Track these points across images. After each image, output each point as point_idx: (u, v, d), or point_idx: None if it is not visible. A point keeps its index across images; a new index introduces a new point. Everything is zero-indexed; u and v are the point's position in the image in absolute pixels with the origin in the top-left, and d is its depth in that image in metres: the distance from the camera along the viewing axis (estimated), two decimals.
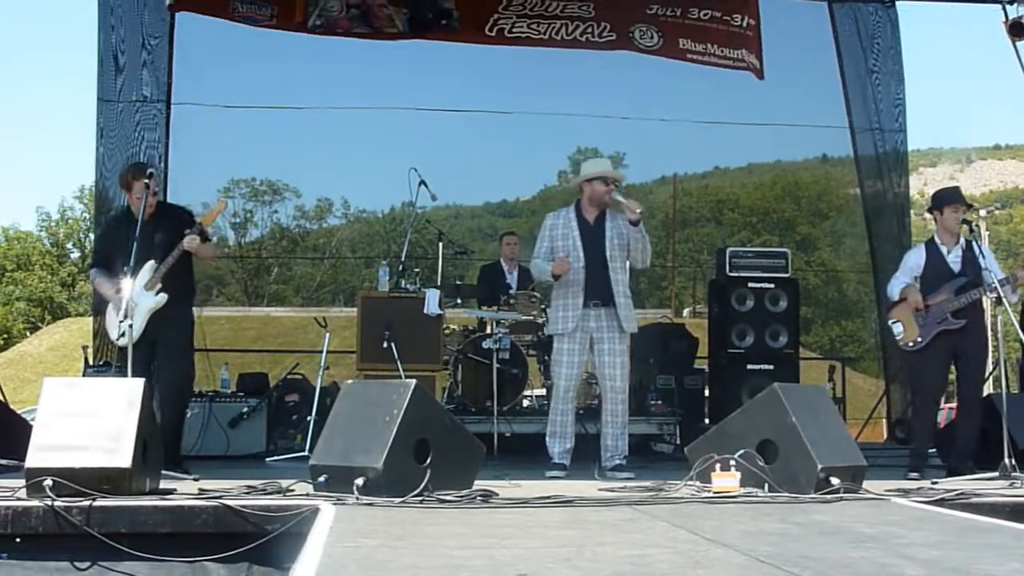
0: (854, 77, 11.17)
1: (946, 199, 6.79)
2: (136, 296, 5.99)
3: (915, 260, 6.86)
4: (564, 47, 10.47)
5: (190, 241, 6.18)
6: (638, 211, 6.44)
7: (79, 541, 4.25)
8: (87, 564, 4.28)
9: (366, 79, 11.06)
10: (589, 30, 10.45)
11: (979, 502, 4.83)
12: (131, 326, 5.74)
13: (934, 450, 7.16)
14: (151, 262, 6.17)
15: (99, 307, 6.58)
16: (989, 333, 7.35)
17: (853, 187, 11.93)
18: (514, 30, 10.37)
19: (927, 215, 7.06)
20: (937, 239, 6.80)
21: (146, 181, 6.13)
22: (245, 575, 4.36)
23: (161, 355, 6.22)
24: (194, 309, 6.68)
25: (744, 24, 10.60)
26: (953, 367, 6.83)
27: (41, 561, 4.29)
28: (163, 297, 6.21)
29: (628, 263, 6.80)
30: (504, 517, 4.24)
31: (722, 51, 10.54)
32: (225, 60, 10.50)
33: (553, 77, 11.18)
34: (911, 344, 6.68)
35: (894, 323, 6.79)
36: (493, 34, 10.39)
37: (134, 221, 6.05)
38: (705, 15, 10.56)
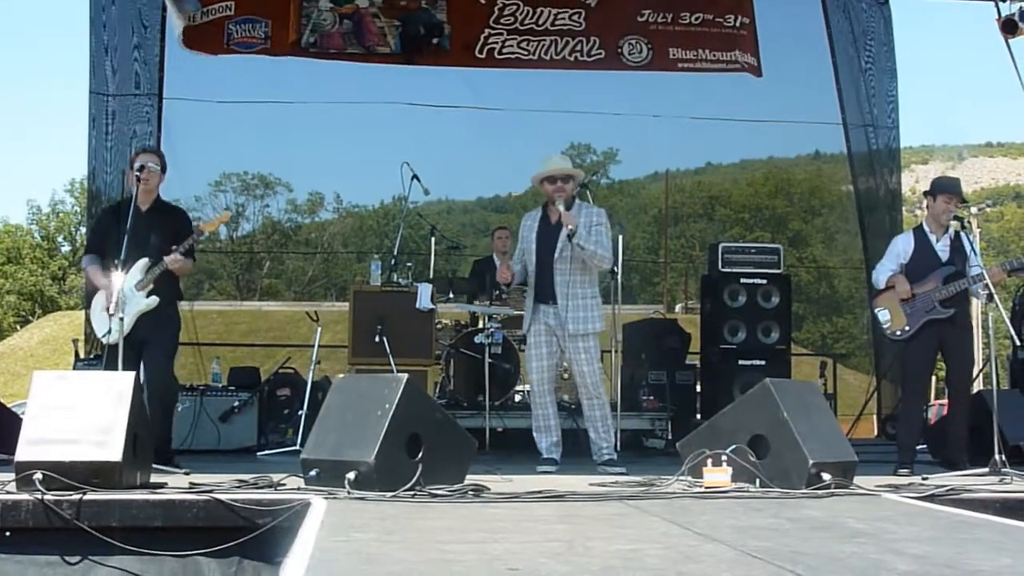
0: (847, 74, 11.18)
1: (942, 187, 6.74)
2: (127, 293, 6.00)
3: (903, 246, 6.80)
4: (553, 68, 10.60)
5: (173, 260, 6.20)
6: (569, 227, 6.32)
7: (69, 535, 4.24)
8: (77, 558, 4.27)
9: (358, 74, 11.04)
10: (579, 47, 10.52)
11: (969, 498, 4.84)
12: (122, 319, 5.74)
13: (923, 446, 7.17)
14: (144, 260, 6.18)
15: (89, 298, 6.58)
16: (977, 326, 7.36)
17: (845, 183, 11.96)
18: (504, 50, 10.46)
19: (922, 207, 7.03)
20: (926, 227, 6.75)
21: (139, 163, 6.18)
22: (236, 569, 4.35)
23: (149, 355, 6.21)
24: (185, 303, 6.70)
25: (737, 24, 10.63)
26: (941, 360, 6.83)
27: (31, 555, 4.28)
28: (154, 300, 6.23)
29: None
30: (495, 512, 4.24)
31: (714, 55, 10.59)
32: None
33: (546, 72, 11.16)
34: (898, 333, 6.64)
35: (880, 311, 6.72)
36: (483, 56, 10.50)
37: (135, 210, 6.07)
38: (697, 19, 10.60)
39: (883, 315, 6.71)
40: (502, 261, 9.45)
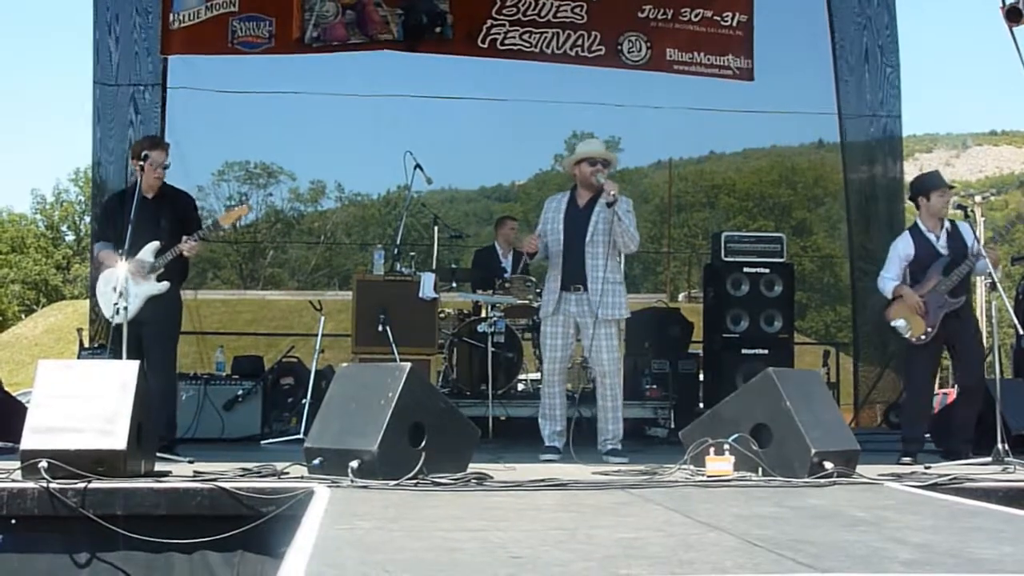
0: (849, 62, 11.16)
1: (931, 184, 6.70)
2: (134, 277, 6.06)
3: (903, 249, 6.73)
4: (554, 61, 10.68)
5: (190, 248, 6.28)
6: (612, 193, 6.34)
7: (74, 523, 4.26)
8: (86, 556, 4.28)
9: (361, 64, 11.03)
10: (580, 42, 10.60)
11: (972, 487, 4.85)
12: (126, 308, 5.75)
13: (928, 435, 7.16)
14: (155, 243, 6.21)
15: (94, 281, 6.63)
16: (980, 315, 7.35)
17: (850, 172, 11.91)
18: (506, 41, 10.52)
19: (910, 203, 6.97)
20: (922, 225, 6.70)
21: (145, 153, 6.21)
22: (239, 561, 4.37)
23: (150, 337, 6.24)
24: (189, 292, 6.73)
25: (735, 23, 10.65)
26: (946, 351, 6.81)
27: (38, 552, 4.29)
28: (165, 285, 6.30)
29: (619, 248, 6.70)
30: (498, 500, 4.25)
31: (708, 59, 10.68)
32: None
33: (549, 62, 11.16)
34: (923, 337, 6.53)
35: (896, 322, 6.61)
36: (486, 46, 10.59)
37: (140, 198, 6.09)
38: (696, 16, 10.62)
39: (900, 324, 6.58)
40: (506, 249, 9.50)
